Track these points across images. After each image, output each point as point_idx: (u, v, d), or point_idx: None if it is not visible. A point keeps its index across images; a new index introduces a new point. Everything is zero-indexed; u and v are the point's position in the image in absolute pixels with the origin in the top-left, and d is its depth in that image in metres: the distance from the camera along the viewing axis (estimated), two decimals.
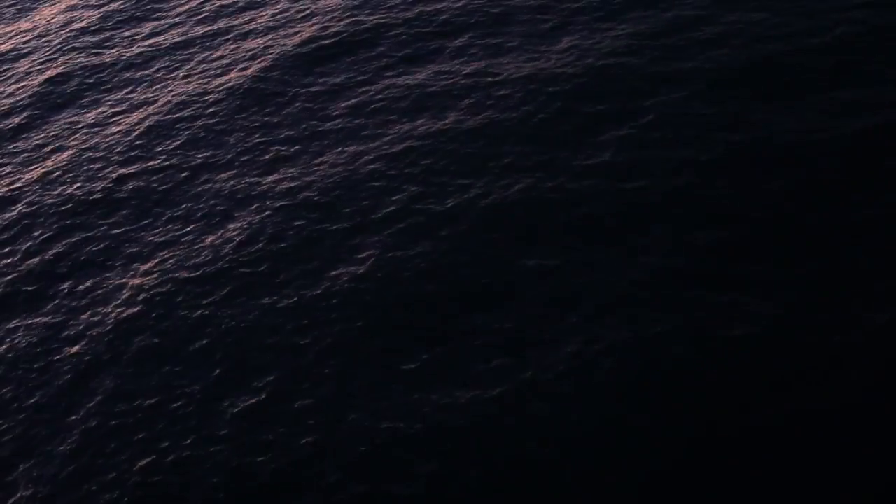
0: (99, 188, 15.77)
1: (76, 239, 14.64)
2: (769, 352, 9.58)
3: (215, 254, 13.30)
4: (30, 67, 21.39)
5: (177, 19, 21.54)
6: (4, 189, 16.69)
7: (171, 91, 18.29)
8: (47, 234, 14.96)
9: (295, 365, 11.08)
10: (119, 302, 12.98)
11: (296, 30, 19.28)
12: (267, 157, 15.23)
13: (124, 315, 12.66)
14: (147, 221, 14.54)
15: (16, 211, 15.89)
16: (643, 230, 11.49)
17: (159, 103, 17.96)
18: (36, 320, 13.15)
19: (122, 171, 16.06)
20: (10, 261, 14.59)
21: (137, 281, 13.29)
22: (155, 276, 13.24)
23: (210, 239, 13.68)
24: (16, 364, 12.44)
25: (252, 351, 11.47)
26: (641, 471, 8.83)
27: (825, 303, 9.91)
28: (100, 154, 16.82)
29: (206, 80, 18.30)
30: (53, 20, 23.81)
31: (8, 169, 17.37)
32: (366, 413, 10.23)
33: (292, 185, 14.31)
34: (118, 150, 16.79)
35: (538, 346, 10.39)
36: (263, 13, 20.48)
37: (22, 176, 16.96)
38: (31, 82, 20.50)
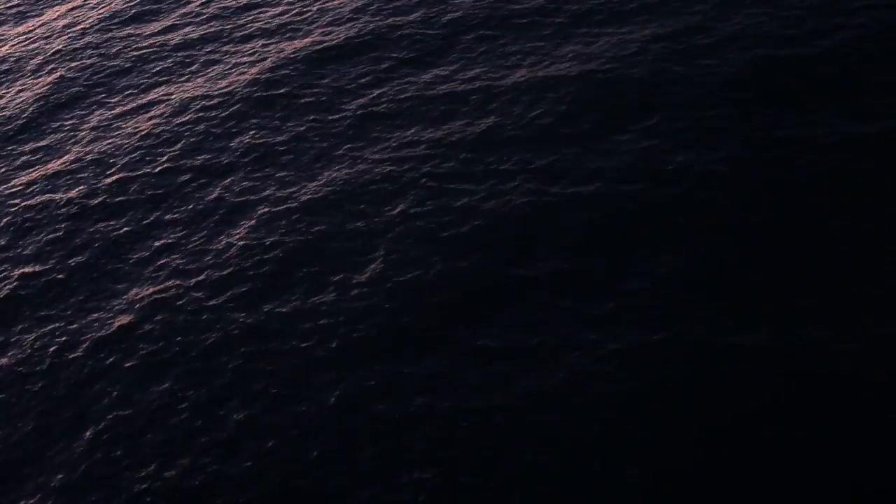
0: (102, 191, 15.77)
1: (80, 243, 14.65)
2: (773, 358, 9.58)
3: (220, 258, 13.31)
4: (32, 70, 21.40)
5: (180, 21, 21.54)
6: (7, 192, 16.70)
7: (176, 94, 18.29)
8: (50, 237, 14.97)
9: (299, 369, 11.09)
10: (123, 306, 12.99)
11: (300, 34, 19.28)
12: (271, 160, 15.24)
13: (128, 320, 12.67)
14: (151, 225, 14.54)
15: (19, 214, 15.90)
16: (647, 236, 11.48)
17: (163, 106, 17.96)
18: (38, 324, 13.17)
19: (126, 174, 16.06)
20: (12, 265, 14.60)
21: (142, 285, 13.30)
22: (159, 280, 13.25)
23: (215, 243, 13.69)
24: (20, 369, 12.45)
25: (257, 355, 11.48)
26: (643, 478, 8.83)
27: (829, 308, 9.91)
28: (103, 157, 16.83)
29: (210, 83, 18.30)
30: (56, 22, 23.82)
31: (10, 171, 17.38)
32: (370, 418, 10.24)
33: (296, 189, 14.32)
34: (120, 153, 16.79)
35: (541, 353, 10.40)
36: (267, 17, 20.48)
37: (24, 178, 16.96)
38: (34, 85, 20.51)
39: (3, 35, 24.26)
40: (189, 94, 18.06)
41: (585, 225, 11.92)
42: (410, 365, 10.73)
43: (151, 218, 14.71)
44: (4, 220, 15.89)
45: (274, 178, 14.78)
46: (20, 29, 24.23)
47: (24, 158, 17.70)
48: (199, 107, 17.49)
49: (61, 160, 17.18)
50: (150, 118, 17.69)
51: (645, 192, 12.14)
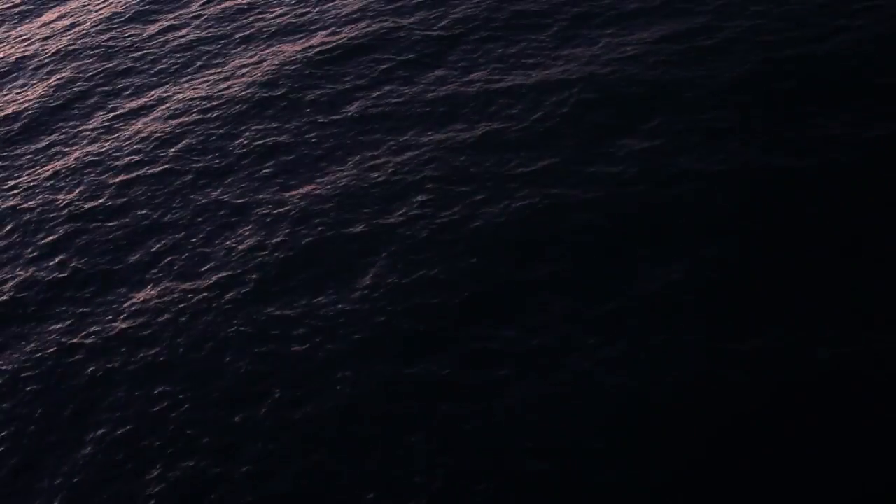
0: (104, 193, 15.77)
1: (81, 245, 14.65)
2: (776, 362, 9.59)
3: (222, 260, 13.32)
4: (33, 71, 21.40)
5: (182, 24, 21.54)
6: (8, 194, 16.69)
7: (177, 95, 18.29)
8: (51, 239, 14.97)
9: (302, 372, 11.10)
10: (125, 308, 12.99)
11: (301, 36, 19.28)
12: (273, 162, 15.24)
13: (130, 322, 12.67)
14: (152, 227, 14.54)
15: (20, 217, 15.90)
16: (649, 239, 11.49)
17: (164, 108, 17.96)
18: (39, 327, 13.17)
19: (127, 176, 16.06)
20: (13, 267, 14.60)
21: (143, 287, 13.30)
22: (161, 282, 13.25)
23: (216, 245, 13.69)
24: (21, 372, 12.46)
25: (259, 358, 11.49)
26: (645, 482, 8.85)
27: (832, 313, 9.92)
28: (104, 159, 16.83)
29: (211, 84, 18.30)
30: (56, 24, 23.81)
31: (11, 173, 17.38)
32: (375, 423, 10.26)
33: (298, 191, 14.32)
34: (122, 154, 16.79)
35: (543, 356, 10.41)
36: (268, 18, 20.48)
37: (26, 180, 16.96)
38: (35, 87, 20.50)
39: (3, 36, 24.25)
40: (190, 96, 18.06)
41: (587, 228, 11.93)
42: (413, 367, 10.74)
43: (152, 219, 14.72)
44: (5, 221, 15.89)
45: (275, 180, 14.78)
46: (21, 30, 24.22)
47: (24, 160, 17.70)
48: (200, 108, 17.49)
49: (62, 162, 17.18)
50: (151, 120, 17.69)
51: (647, 195, 12.15)
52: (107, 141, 17.48)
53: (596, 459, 9.18)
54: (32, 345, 12.88)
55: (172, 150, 16.44)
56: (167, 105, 18.04)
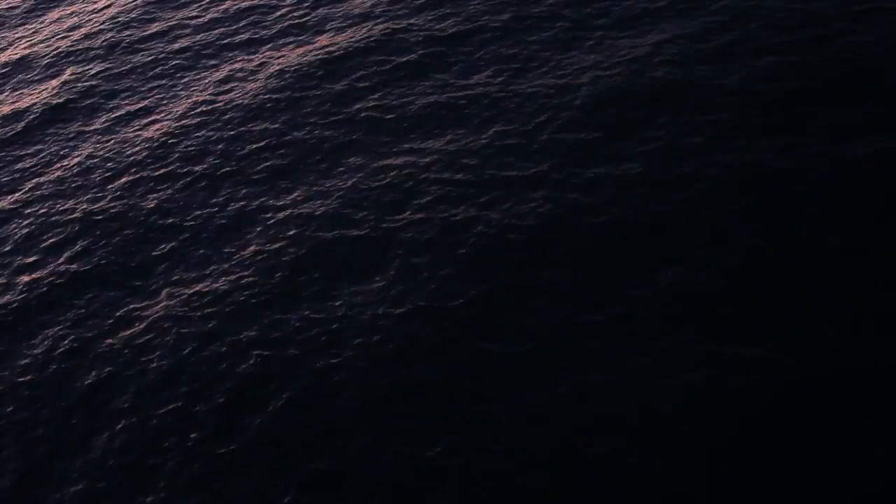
0: (107, 197, 15.79)
1: (84, 249, 14.66)
2: (777, 369, 9.60)
3: (226, 265, 13.33)
4: (35, 74, 21.40)
5: (186, 27, 21.54)
6: (10, 199, 16.71)
7: (181, 99, 18.30)
8: (54, 244, 14.98)
9: (308, 377, 11.12)
10: (128, 314, 13.01)
11: (304, 39, 19.28)
12: (278, 167, 15.25)
13: (135, 327, 12.69)
14: (156, 232, 14.56)
15: (23, 220, 15.91)
16: (651, 244, 11.51)
17: (168, 112, 17.97)
18: (43, 333, 13.19)
19: (130, 179, 16.08)
20: (17, 272, 14.62)
21: (148, 292, 13.32)
22: (166, 287, 13.27)
23: (221, 250, 13.71)
24: (27, 378, 12.48)
25: (266, 363, 11.51)
26: (648, 487, 8.87)
27: (834, 319, 9.93)
28: (107, 163, 16.83)
29: (216, 88, 18.30)
30: (58, 25, 23.81)
31: (14, 176, 17.39)
32: (381, 429, 10.28)
33: (302, 196, 14.33)
34: (124, 159, 16.80)
35: (545, 361, 10.43)
36: (272, 23, 20.48)
37: (29, 184, 16.97)
38: (37, 90, 20.51)
39: (5, 38, 24.26)
40: (193, 99, 18.07)
41: (591, 233, 11.94)
42: (417, 372, 10.76)
43: (156, 223, 14.73)
44: (9, 226, 15.90)
45: (280, 183, 14.79)
46: (22, 32, 24.22)
47: (26, 163, 17.71)
48: (203, 111, 17.50)
49: (64, 164, 17.20)
50: (154, 123, 17.70)
51: (650, 198, 12.16)
52: (109, 145, 17.48)
53: (598, 466, 9.20)
54: (36, 349, 12.90)
55: (176, 153, 16.45)
56: (170, 108, 18.05)
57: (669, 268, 11.10)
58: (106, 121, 18.36)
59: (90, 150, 17.44)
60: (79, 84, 20.11)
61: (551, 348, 10.56)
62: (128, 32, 22.08)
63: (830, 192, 11.44)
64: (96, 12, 23.85)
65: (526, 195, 12.90)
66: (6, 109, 20.03)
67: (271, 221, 13.95)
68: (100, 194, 15.95)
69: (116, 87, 19.62)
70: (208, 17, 21.54)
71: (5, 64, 22.48)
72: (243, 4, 21.55)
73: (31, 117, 19.26)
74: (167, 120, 17.63)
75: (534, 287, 11.43)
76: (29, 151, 18.10)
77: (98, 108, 18.96)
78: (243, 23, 20.74)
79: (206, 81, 18.66)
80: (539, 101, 14.75)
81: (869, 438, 8.76)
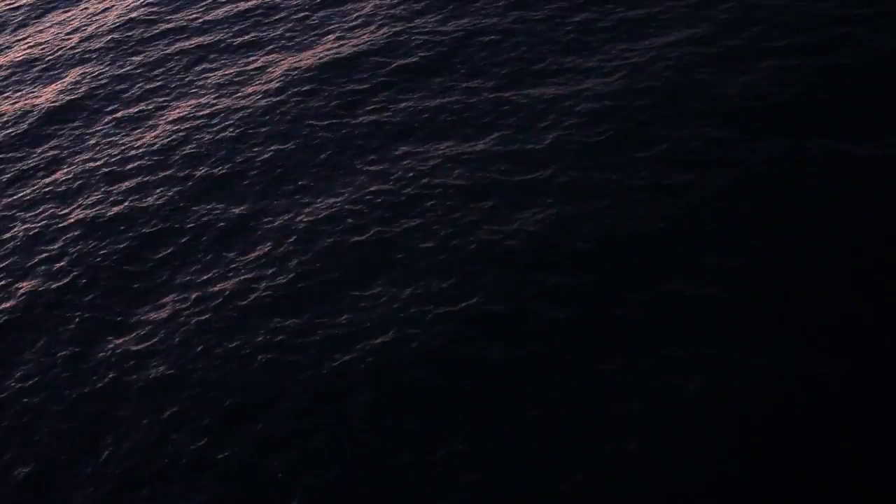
0: (109, 203, 15.78)
1: (86, 256, 14.66)
2: (780, 376, 9.59)
3: (230, 271, 13.33)
4: (37, 77, 21.40)
5: (189, 30, 21.54)
6: (12, 201, 16.70)
7: (184, 105, 18.30)
8: (56, 251, 14.98)
9: (312, 382, 11.11)
10: (131, 321, 13.00)
11: (308, 43, 19.28)
12: (281, 172, 15.25)
13: (136, 333, 12.68)
14: (159, 237, 14.55)
15: (26, 225, 15.90)
16: (655, 250, 11.50)
17: (171, 118, 17.97)
18: (46, 341, 13.18)
19: (134, 183, 16.07)
20: (20, 279, 14.61)
21: (151, 299, 13.31)
22: (169, 293, 13.26)
23: (224, 255, 13.70)
24: (31, 385, 12.47)
25: (270, 369, 11.50)
26: (657, 498, 8.86)
27: (836, 325, 9.93)
28: (109, 169, 16.83)
29: (219, 93, 18.30)
30: (60, 27, 23.81)
31: (14, 181, 17.39)
32: (382, 432, 10.27)
33: (306, 201, 14.33)
34: (127, 165, 16.80)
35: (548, 367, 10.42)
36: (276, 28, 20.48)
37: (30, 189, 16.97)
38: (38, 92, 20.51)
39: (6, 41, 24.26)
40: (197, 103, 18.06)
41: (593, 238, 11.93)
42: (421, 376, 10.76)
43: (159, 228, 14.72)
44: (9, 233, 15.90)
45: (283, 188, 14.79)
46: (24, 34, 24.22)
47: (28, 165, 17.70)
48: (206, 115, 17.49)
49: (67, 168, 17.19)
50: (157, 127, 17.70)
51: (654, 204, 12.15)
52: (111, 151, 17.48)
53: (600, 470, 9.19)
54: (39, 354, 12.89)
55: (178, 156, 16.44)
56: (172, 111, 18.04)
57: (672, 272, 11.09)
58: (108, 123, 18.35)
59: (92, 153, 17.43)
60: (81, 86, 20.10)
61: (554, 353, 10.55)
62: (130, 35, 22.08)
63: (835, 196, 11.43)
64: (99, 14, 23.85)
65: (529, 199, 12.89)
66: (8, 111, 20.02)
67: (274, 225, 13.94)
68: (102, 197, 15.94)
69: (119, 89, 19.61)
70: (212, 19, 21.54)
71: (7, 66, 22.47)
72: (246, 7, 21.55)
73: (33, 120, 19.26)
74: (170, 123, 17.62)
75: (537, 291, 11.42)
76: (31, 154, 18.09)
77: (100, 111, 18.96)
78: (246, 25, 20.74)
79: (210, 84, 18.66)
80: (543, 105, 14.75)
81: (871, 443, 8.75)
